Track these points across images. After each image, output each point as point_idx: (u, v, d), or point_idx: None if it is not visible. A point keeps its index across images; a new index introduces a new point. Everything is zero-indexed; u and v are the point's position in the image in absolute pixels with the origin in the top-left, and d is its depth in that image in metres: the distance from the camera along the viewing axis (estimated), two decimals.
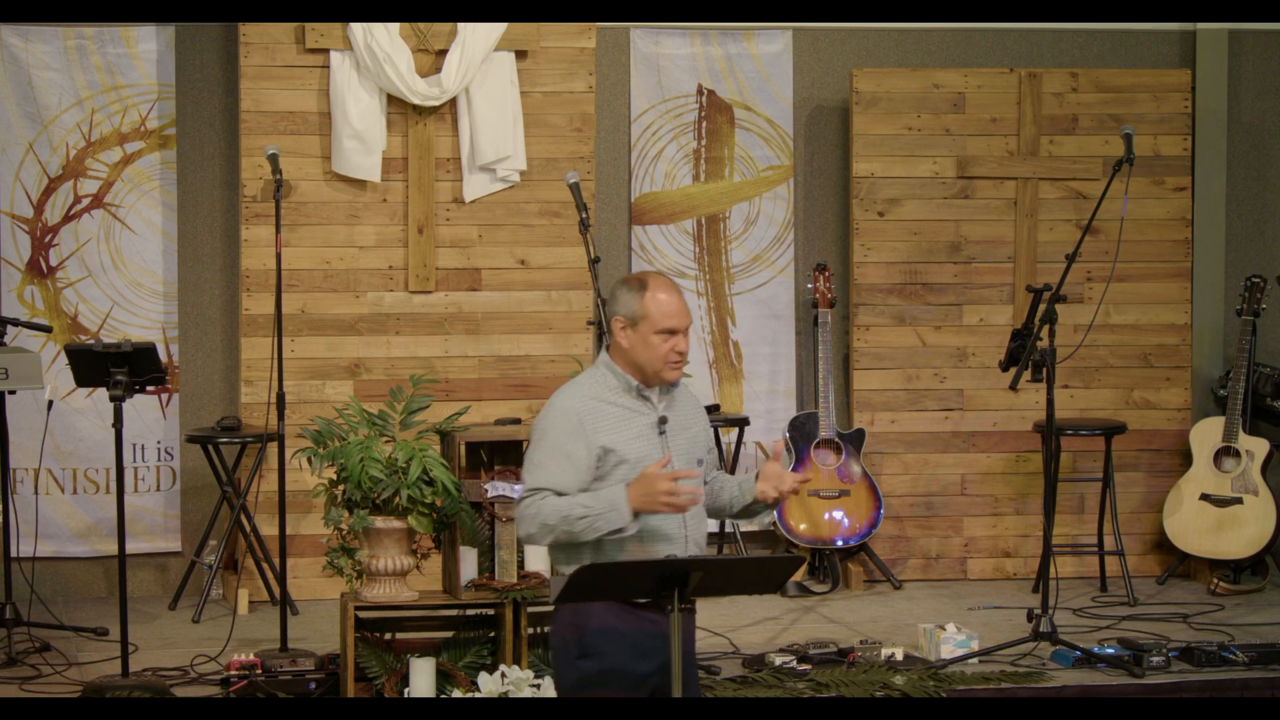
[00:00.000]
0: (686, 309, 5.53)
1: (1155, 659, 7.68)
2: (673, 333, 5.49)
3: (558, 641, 5.52)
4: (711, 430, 5.83)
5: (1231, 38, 10.00)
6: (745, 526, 9.56)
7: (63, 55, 9.18)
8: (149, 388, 8.29)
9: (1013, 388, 8.14)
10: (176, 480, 9.36)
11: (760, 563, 5.78)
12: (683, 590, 5.20)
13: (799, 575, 9.30)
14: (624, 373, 5.52)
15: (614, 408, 5.50)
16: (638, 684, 5.43)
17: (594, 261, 8.11)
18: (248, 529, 8.88)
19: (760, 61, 9.78)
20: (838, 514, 9.37)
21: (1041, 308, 8.05)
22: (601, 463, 5.46)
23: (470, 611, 7.33)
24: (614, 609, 5.40)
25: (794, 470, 9.37)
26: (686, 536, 5.51)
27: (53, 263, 9.23)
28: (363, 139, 9.03)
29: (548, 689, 6.97)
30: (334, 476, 7.12)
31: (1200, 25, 9.95)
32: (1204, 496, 9.42)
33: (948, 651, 7.73)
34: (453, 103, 9.14)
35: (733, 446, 9.57)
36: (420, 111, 9.12)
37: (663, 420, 5.51)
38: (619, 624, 5.40)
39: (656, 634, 5.38)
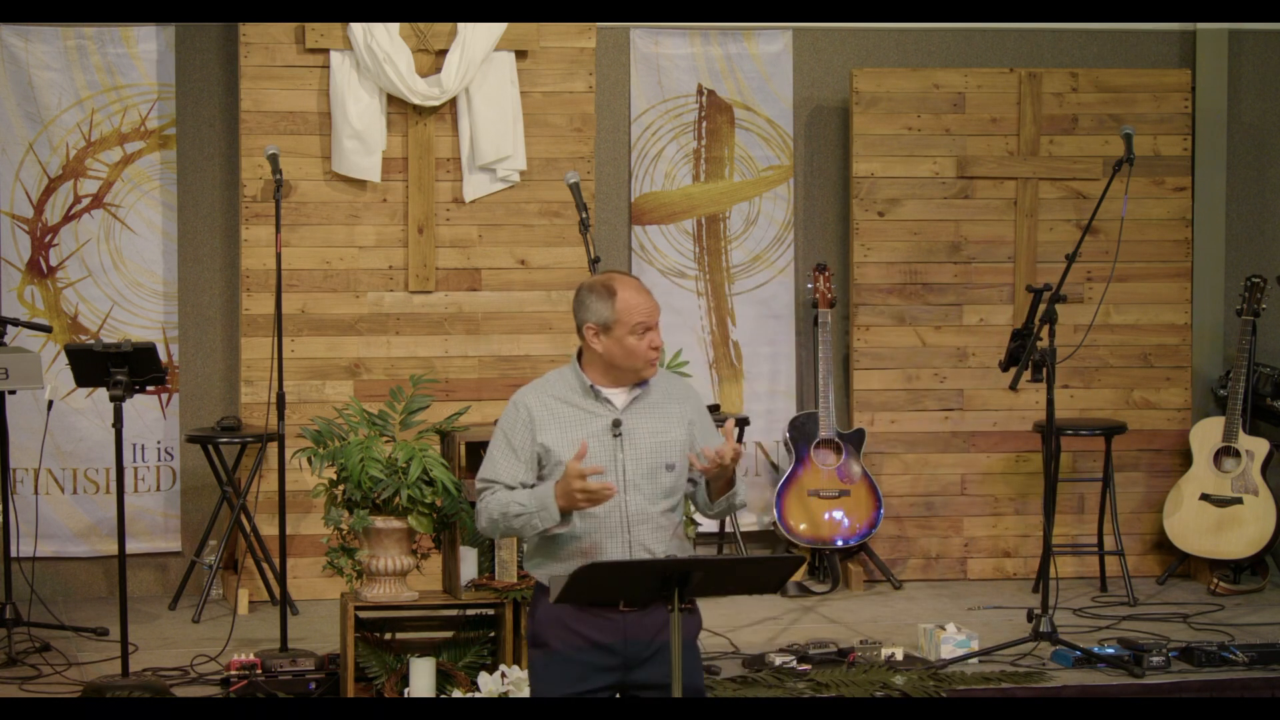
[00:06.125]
0: (655, 303, 5.53)
1: (1155, 659, 7.68)
2: (647, 329, 5.51)
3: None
4: (702, 434, 5.72)
5: (1231, 38, 9.99)
6: (745, 526, 9.57)
7: (63, 55, 9.18)
8: (149, 388, 8.29)
9: (1013, 388, 8.13)
10: (176, 480, 9.36)
11: (760, 563, 5.77)
12: (683, 590, 5.21)
13: (799, 575, 9.29)
14: (584, 374, 5.53)
15: (569, 408, 5.52)
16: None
17: (594, 261, 8.11)
18: (248, 529, 8.88)
19: (760, 61, 9.78)
20: (838, 514, 9.37)
21: (1041, 308, 8.05)
22: (543, 462, 5.50)
23: (470, 611, 7.33)
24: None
25: (794, 471, 9.42)
26: (630, 540, 5.47)
27: (53, 263, 9.23)
28: (363, 139, 9.03)
29: None
30: (334, 476, 7.12)
31: (1200, 25, 9.95)
32: (1204, 496, 9.42)
33: (948, 651, 7.73)
34: (453, 103, 9.14)
35: None
36: (420, 111, 9.12)
37: (616, 424, 5.51)
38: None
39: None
